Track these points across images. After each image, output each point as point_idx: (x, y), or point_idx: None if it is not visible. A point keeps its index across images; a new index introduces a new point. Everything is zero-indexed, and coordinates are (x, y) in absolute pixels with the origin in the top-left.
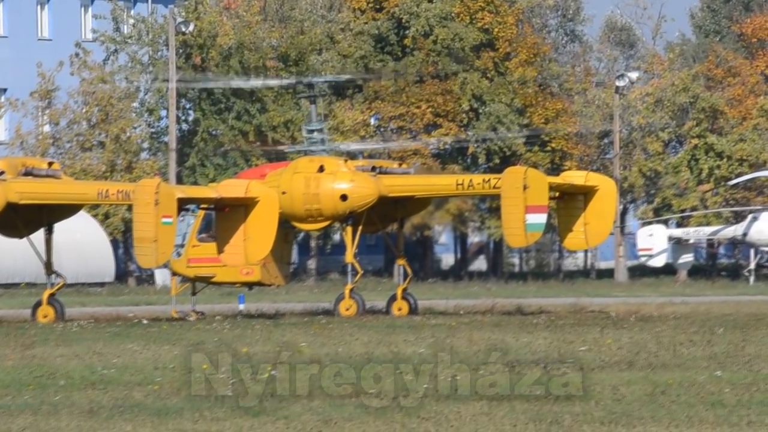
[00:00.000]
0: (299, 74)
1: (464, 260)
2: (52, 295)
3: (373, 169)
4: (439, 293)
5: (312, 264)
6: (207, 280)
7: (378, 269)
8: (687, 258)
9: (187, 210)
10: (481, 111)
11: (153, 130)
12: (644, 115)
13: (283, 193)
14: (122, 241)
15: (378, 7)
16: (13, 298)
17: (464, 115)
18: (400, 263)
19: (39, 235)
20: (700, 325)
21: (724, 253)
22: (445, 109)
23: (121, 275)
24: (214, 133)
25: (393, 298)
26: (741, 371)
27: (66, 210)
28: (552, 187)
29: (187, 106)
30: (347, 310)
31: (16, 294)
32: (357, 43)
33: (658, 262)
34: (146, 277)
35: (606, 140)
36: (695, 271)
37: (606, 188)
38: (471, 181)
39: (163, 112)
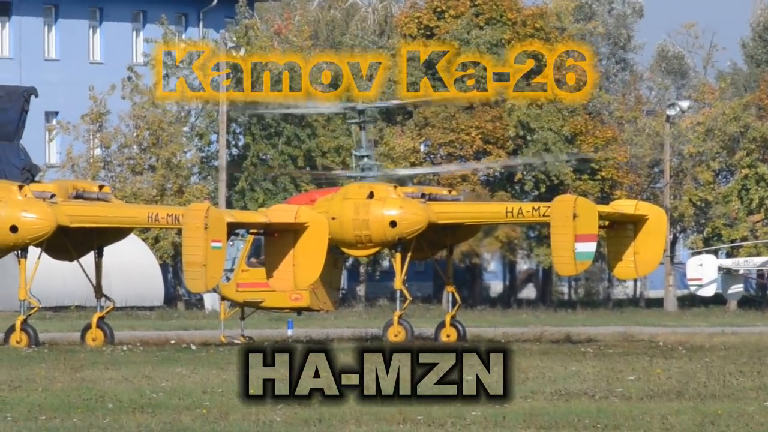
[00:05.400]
0: (348, 100)
1: (513, 288)
2: (101, 319)
3: (423, 195)
4: (487, 320)
5: (361, 290)
6: (256, 305)
7: (427, 296)
8: (737, 288)
9: (237, 234)
10: (529, 138)
11: (203, 154)
12: (695, 144)
13: (333, 218)
14: (172, 264)
15: (428, 33)
16: (62, 320)
17: (511, 142)
18: (449, 290)
19: (89, 258)
20: (750, 356)
21: None
22: (495, 135)
23: (170, 299)
24: (264, 157)
25: (441, 325)
26: None
27: (116, 233)
28: (602, 216)
29: (238, 130)
30: (396, 336)
31: (65, 317)
32: (407, 69)
33: (708, 292)
34: (195, 302)
35: (656, 169)
36: (745, 302)
37: (656, 217)
38: (521, 208)
39: (214, 137)
